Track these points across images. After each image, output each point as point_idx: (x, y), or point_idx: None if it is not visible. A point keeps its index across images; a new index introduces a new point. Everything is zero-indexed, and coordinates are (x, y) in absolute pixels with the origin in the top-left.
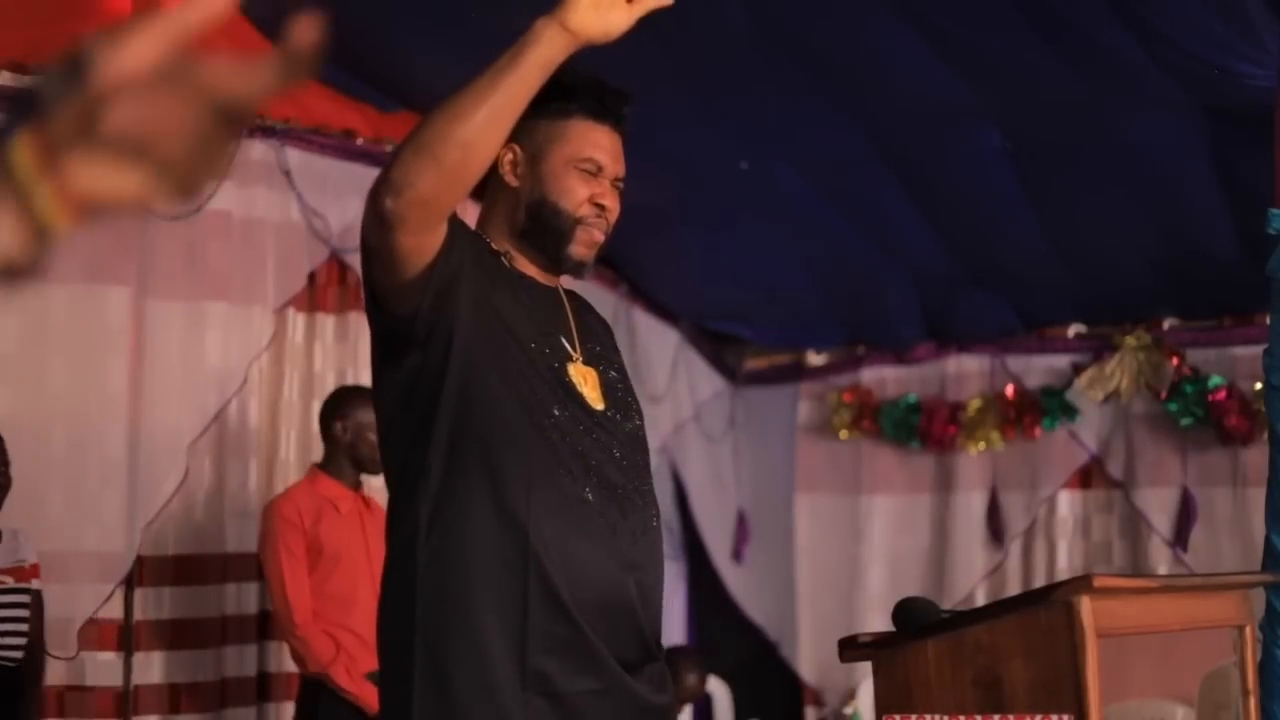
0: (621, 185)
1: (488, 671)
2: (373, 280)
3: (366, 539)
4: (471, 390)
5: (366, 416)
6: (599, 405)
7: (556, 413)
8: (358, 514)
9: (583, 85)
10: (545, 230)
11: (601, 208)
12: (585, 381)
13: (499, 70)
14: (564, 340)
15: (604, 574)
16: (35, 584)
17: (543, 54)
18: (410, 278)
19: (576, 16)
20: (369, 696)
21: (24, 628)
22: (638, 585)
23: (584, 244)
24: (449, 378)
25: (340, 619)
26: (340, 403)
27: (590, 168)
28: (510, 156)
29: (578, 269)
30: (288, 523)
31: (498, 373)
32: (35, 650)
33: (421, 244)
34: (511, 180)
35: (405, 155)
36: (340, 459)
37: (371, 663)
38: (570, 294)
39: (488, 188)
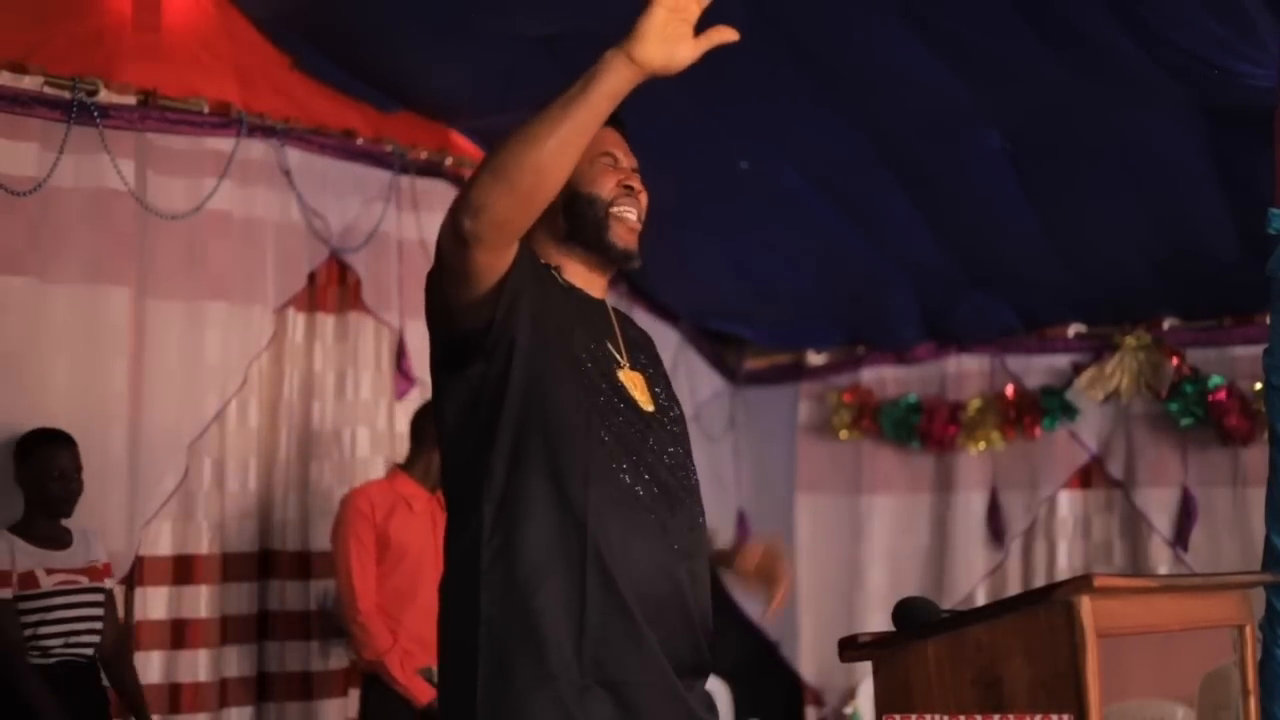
0: (639, 175)
1: (547, 659)
2: (445, 296)
3: (437, 539)
4: (533, 395)
5: None
6: (648, 407)
7: (611, 414)
8: (430, 514)
9: None
10: (585, 223)
11: (630, 188)
12: (635, 386)
13: (570, 99)
14: (611, 348)
15: (656, 569)
16: (108, 583)
17: (611, 84)
18: (483, 293)
19: (643, 48)
20: (419, 690)
21: (98, 625)
22: (688, 578)
23: (622, 231)
24: (511, 384)
25: (398, 613)
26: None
27: (610, 160)
28: None
29: (625, 257)
30: (360, 513)
31: (556, 378)
32: (122, 650)
33: (495, 261)
34: None
35: (483, 178)
36: (428, 462)
37: (424, 660)
38: (614, 309)
39: None
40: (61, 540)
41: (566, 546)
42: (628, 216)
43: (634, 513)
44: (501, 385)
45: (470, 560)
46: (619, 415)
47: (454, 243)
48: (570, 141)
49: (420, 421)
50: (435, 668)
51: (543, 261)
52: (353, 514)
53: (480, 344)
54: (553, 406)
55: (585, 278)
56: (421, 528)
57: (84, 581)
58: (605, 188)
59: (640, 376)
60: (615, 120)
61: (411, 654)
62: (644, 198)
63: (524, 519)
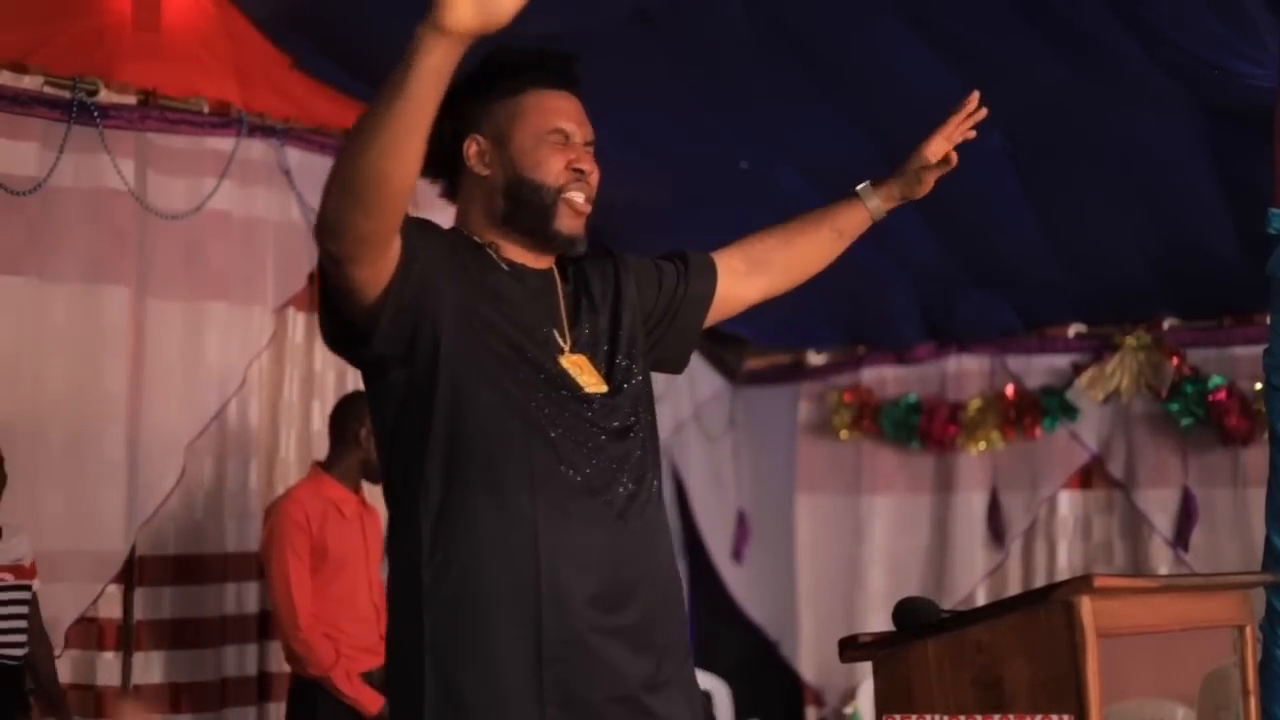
0: (593, 147)
1: (501, 685)
2: (341, 313)
3: (366, 543)
4: (462, 399)
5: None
6: (599, 389)
7: (551, 410)
8: (359, 518)
9: (526, 57)
10: (528, 210)
11: (581, 172)
12: (580, 369)
13: (390, 89)
14: (555, 333)
15: (617, 558)
16: (34, 583)
17: (426, 63)
18: (373, 301)
19: (450, 15)
20: (366, 699)
21: (24, 624)
22: (649, 557)
23: (569, 216)
24: (439, 389)
25: (339, 622)
26: (363, 408)
27: (559, 138)
28: (475, 148)
29: (569, 244)
30: (295, 524)
31: (487, 379)
32: (42, 646)
33: (378, 272)
34: (481, 170)
35: (330, 197)
36: (349, 462)
37: (366, 665)
38: (564, 268)
39: (460, 184)
40: None
41: (515, 559)
42: (576, 201)
43: (587, 509)
44: (428, 392)
45: (411, 579)
46: (563, 408)
47: (329, 264)
48: (402, 135)
49: (339, 417)
50: (375, 672)
51: (476, 240)
52: (289, 525)
53: (374, 353)
54: (485, 411)
55: (525, 255)
56: (354, 533)
57: (9, 580)
58: (552, 172)
59: (584, 358)
60: (569, 81)
61: (356, 659)
62: (595, 177)
63: (466, 534)
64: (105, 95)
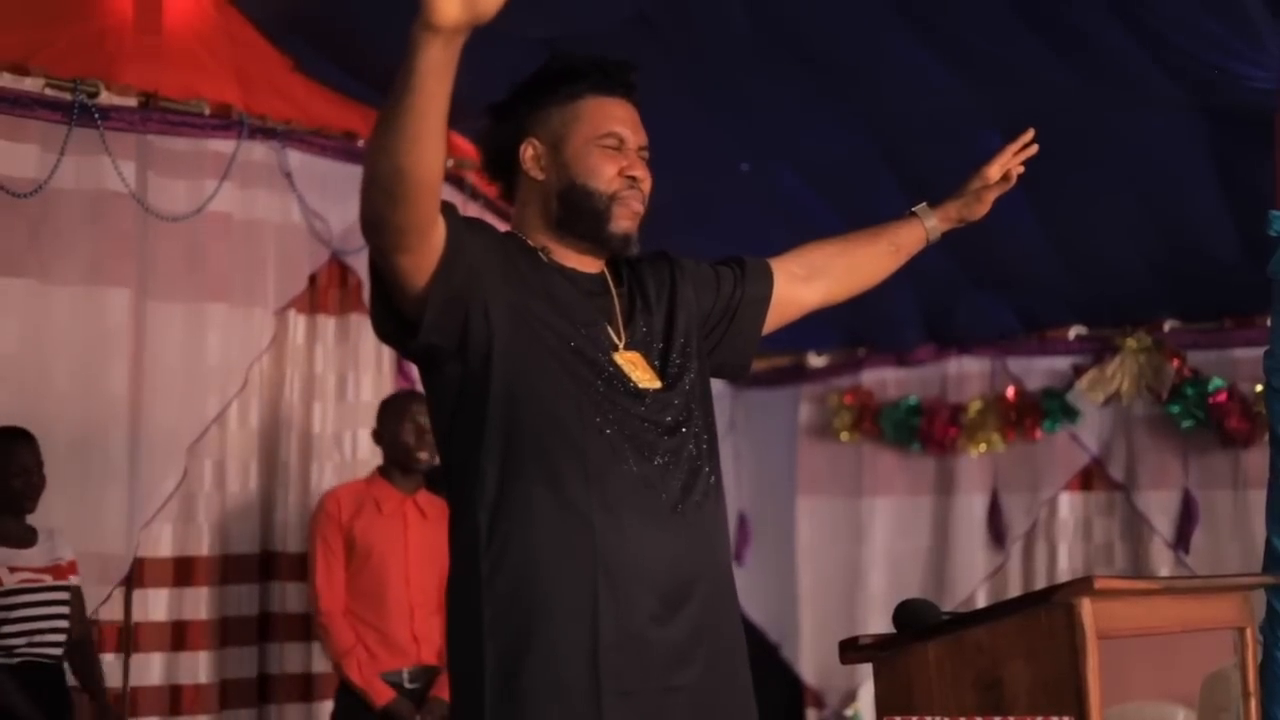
0: (647, 154)
1: (559, 673)
2: (391, 304)
3: (407, 542)
4: (517, 394)
5: (396, 421)
6: (653, 385)
7: (607, 404)
8: (401, 516)
9: (585, 64)
10: (582, 214)
11: (633, 179)
12: (634, 365)
13: (396, 90)
14: (609, 329)
15: (675, 552)
16: (73, 580)
17: (424, 61)
18: (420, 291)
19: (437, 13)
20: (376, 692)
21: (64, 624)
22: (708, 552)
23: (625, 217)
24: (493, 384)
25: (364, 614)
26: (379, 412)
27: (613, 143)
28: (531, 151)
29: (624, 243)
30: (327, 515)
31: (541, 373)
32: (84, 644)
33: (420, 261)
34: (537, 174)
35: (366, 192)
36: (388, 463)
37: (388, 662)
38: (616, 271)
39: (517, 187)
40: (26, 539)
41: (573, 551)
42: (631, 204)
43: (644, 501)
44: (483, 386)
45: (470, 569)
46: (616, 404)
47: (377, 254)
48: (415, 131)
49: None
50: (405, 671)
51: (529, 244)
52: (321, 516)
53: (437, 342)
54: (540, 405)
55: (578, 259)
56: (390, 529)
57: (47, 580)
58: (604, 178)
59: (638, 355)
60: (626, 88)
61: (376, 655)
62: (648, 184)
63: (523, 525)
64: (106, 97)
